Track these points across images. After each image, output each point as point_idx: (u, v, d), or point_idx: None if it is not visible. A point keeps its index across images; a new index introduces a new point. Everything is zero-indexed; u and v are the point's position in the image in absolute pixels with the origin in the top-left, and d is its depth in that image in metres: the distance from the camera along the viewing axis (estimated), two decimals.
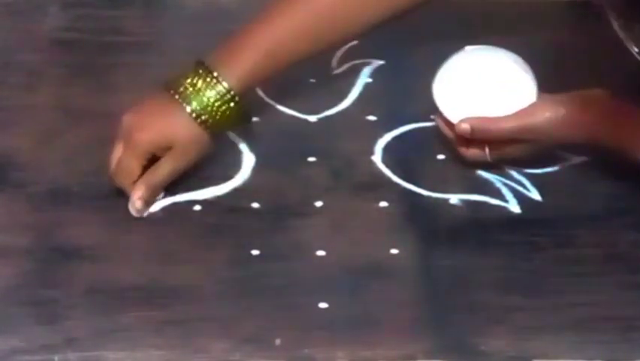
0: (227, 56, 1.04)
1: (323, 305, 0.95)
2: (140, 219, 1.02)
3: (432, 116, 1.10)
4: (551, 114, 1.03)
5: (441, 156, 1.10)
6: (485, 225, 1.04)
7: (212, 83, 1.03)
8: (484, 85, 1.06)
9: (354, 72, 1.19)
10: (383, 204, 1.05)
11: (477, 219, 1.04)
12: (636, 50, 0.91)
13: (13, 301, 0.94)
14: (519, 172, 1.08)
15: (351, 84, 1.18)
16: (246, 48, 1.04)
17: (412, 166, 1.09)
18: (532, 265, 1.00)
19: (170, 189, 1.05)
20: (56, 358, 0.90)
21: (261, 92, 1.16)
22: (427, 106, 1.10)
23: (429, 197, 1.06)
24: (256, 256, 1.00)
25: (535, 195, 1.07)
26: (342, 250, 1.00)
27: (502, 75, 1.06)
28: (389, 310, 0.96)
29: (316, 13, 1.05)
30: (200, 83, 1.03)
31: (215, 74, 1.03)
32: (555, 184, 1.08)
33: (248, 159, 1.09)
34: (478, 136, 1.05)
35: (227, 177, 1.07)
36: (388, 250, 1.00)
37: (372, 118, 1.14)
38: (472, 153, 1.06)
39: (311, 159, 1.10)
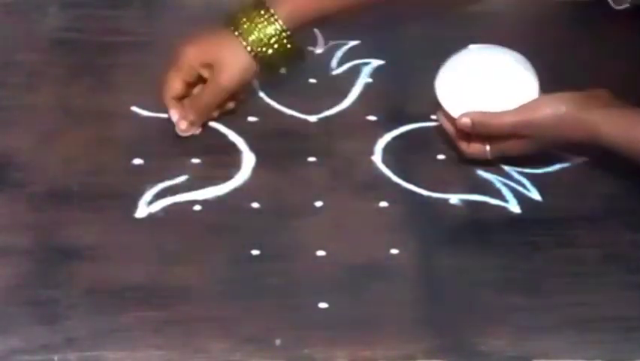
0: None
1: (323, 305, 0.95)
2: (141, 219, 1.02)
3: (433, 117, 1.09)
4: (552, 111, 1.03)
5: (441, 156, 1.10)
6: (485, 225, 1.04)
7: (268, 20, 1.07)
8: (486, 81, 1.06)
9: (354, 72, 1.19)
10: (383, 204, 1.05)
11: (477, 219, 1.04)
12: None
13: (13, 301, 0.94)
14: (519, 172, 1.08)
15: (351, 84, 1.18)
16: None
17: (412, 166, 1.09)
18: (532, 265, 1.00)
19: (171, 189, 1.05)
20: (56, 358, 0.90)
21: (261, 92, 1.16)
22: (427, 106, 1.11)
23: (429, 197, 1.06)
24: (256, 256, 1.00)
25: (535, 195, 1.07)
26: (342, 250, 1.00)
27: (504, 72, 1.07)
28: (389, 310, 0.96)
29: None
30: (255, 18, 1.07)
31: (271, 11, 1.07)
32: (555, 184, 1.08)
33: (248, 159, 1.09)
34: (479, 130, 1.05)
35: (227, 177, 1.07)
36: (388, 250, 1.01)
37: (372, 118, 1.14)
38: (472, 149, 1.06)
39: (311, 159, 1.10)
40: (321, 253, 1.00)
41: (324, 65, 1.20)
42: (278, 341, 0.92)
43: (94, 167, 1.07)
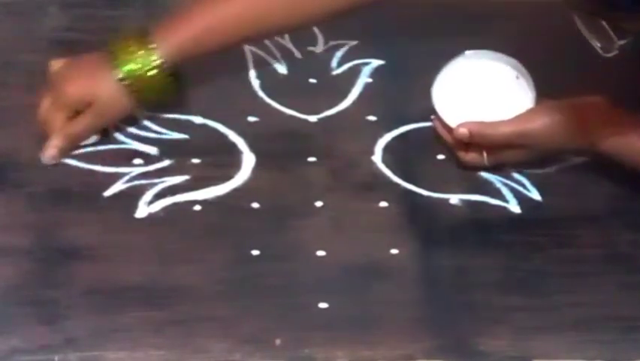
0: (168, 27, 1.07)
1: (323, 305, 0.95)
2: (141, 218, 1.02)
3: (431, 117, 1.09)
4: (549, 120, 1.03)
5: (441, 156, 1.10)
6: (485, 225, 1.04)
7: (145, 51, 1.05)
8: (483, 90, 1.07)
9: (354, 72, 1.19)
10: (383, 204, 1.05)
11: (477, 219, 1.04)
12: (599, 45, 0.91)
13: (13, 301, 0.94)
14: (519, 172, 1.08)
15: (351, 84, 1.18)
16: (187, 22, 1.07)
17: (412, 166, 1.09)
18: (533, 265, 1.00)
19: (171, 189, 1.05)
20: (56, 358, 0.90)
21: (261, 92, 1.16)
22: (427, 106, 1.10)
23: (429, 197, 1.06)
24: (256, 256, 1.00)
25: (535, 195, 1.07)
26: (342, 250, 1.00)
27: (501, 81, 1.07)
28: (389, 310, 0.96)
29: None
30: (133, 49, 1.06)
31: (150, 41, 1.06)
32: (555, 184, 1.08)
33: (248, 159, 1.09)
34: (477, 140, 1.05)
35: (227, 177, 1.07)
36: (388, 250, 1.01)
37: (372, 118, 1.14)
38: (470, 157, 1.06)
39: (311, 159, 1.09)
40: (321, 253, 1.00)
41: (324, 65, 1.20)
42: (278, 341, 0.92)
43: (93, 167, 1.07)
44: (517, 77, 1.07)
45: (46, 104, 1.07)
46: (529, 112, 1.05)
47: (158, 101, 1.09)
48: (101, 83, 1.06)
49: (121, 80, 1.05)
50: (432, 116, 1.09)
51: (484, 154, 1.06)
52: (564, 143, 1.04)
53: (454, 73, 1.08)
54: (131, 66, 1.05)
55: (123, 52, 1.06)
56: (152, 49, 1.05)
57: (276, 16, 1.08)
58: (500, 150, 1.05)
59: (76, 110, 1.06)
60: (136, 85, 1.06)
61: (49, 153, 1.05)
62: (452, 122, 1.06)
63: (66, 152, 1.06)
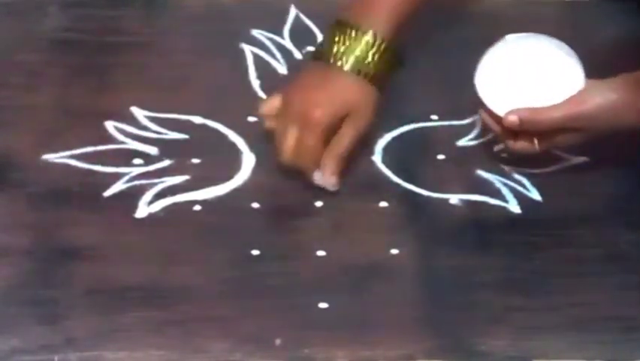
0: (364, 7, 1.04)
1: (323, 305, 0.95)
2: (141, 219, 1.02)
3: (433, 117, 1.08)
4: (602, 100, 0.99)
5: (441, 156, 1.10)
6: (485, 225, 1.04)
7: (358, 37, 1.03)
8: (530, 74, 1.02)
9: None
10: (383, 204, 1.05)
11: (477, 219, 1.04)
12: None
13: (13, 301, 0.94)
14: (519, 172, 1.08)
15: None
16: None
17: (412, 166, 1.09)
18: (533, 265, 1.00)
19: (171, 189, 1.05)
20: (56, 358, 0.90)
21: (260, 92, 1.16)
22: (427, 106, 1.10)
23: (429, 197, 1.06)
24: (256, 256, 1.00)
25: (535, 195, 1.07)
26: (342, 250, 1.00)
27: (547, 63, 1.02)
28: (389, 310, 0.96)
29: None
30: (347, 41, 1.03)
31: (353, 25, 1.03)
32: (555, 184, 1.08)
33: (248, 159, 1.09)
34: (528, 128, 1.01)
35: (227, 177, 1.07)
36: (388, 250, 1.00)
37: None
38: (520, 145, 1.02)
39: None
40: (321, 253, 1.00)
41: None
42: (278, 341, 0.92)
43: (93, 167, 1.07)
44: (564, 57, 1.02)
45: (291, 137, 1.01)
46: (581, 93, 1.00)
47: (392, 78, 1.06)
48: (348, 89, 1.03)
49: (358, 73, 1.03)
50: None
51: (535, 141, 1.02)
52: (619, 122, 1.00)
53: (497, 59, 1.03)
54: (357, 56, 1.03)
55: (341, 48, 1.03)
56: (363, 32, 1.03)
57: None
58: (552, 134, 1.01)
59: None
60: (371, 70, 1.03)
61: (333, 181, 1.02)
62: (500, 111, 1.02)
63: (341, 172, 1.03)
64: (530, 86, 1.02)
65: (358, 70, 1.03)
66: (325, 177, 1.02)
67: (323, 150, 1.02)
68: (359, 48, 1.03)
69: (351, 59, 1.03)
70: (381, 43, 1.03)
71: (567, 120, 1.00)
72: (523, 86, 1.02)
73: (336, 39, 1.03)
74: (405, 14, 1.05)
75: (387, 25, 1.04)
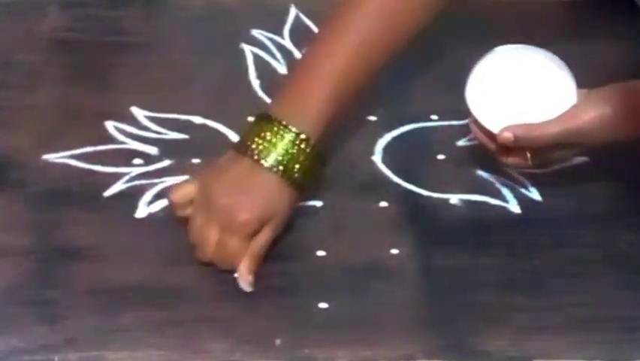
0: (294, 105, 0.99)
1: (323, 305, 0.95)
2: (141, 219, 1.02)
3: (433, 117, 1.07)
4: (597, 114, 0.98)
5: (441, 156, 1.10)
6: (485, 225, 1.04)
7: (284, 134, 0.97)
8: (522, 89, 1.01)
9: None
10: (383, 204, 1.05)
11: (477, 219, 1.04)
12: None
13: (13, 301, 0.94)
14: (519, 172, 1.08)
15: None
16: (309, 89, 0.99)
17: (412, 166, 1.09)
18: (533, 265, 1.00)
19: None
20: (56, 358, 0.90)
21: (260, 92, 1.16)
22: (427, 106, 1.10)
23: (429, 197, 1.06)
24: None
25: (535, 195, 1.07)
26: (342, 250, 1.00)
27: (539, 76, 1.01)
28: (389, 310, 0.96)
29: (365, 36, 1.01)
30: (273, 137, 0.97)
31: (283, 122, 0.97)
32: (555, 184, 1.08)
33: None
34: (522, 144, 1.00)
35: None
36: (388, 250, 1.00)
37: (372, 118, 1.14)
38: (512, 161, 1.02)
39: None
40: (321, 253, 1.00)
41: None
42: (278, 342, 0.92)
43: (93, 167, 1.07)
44: (555, 70, 1.01)
45: (212, 242, 0.96)
46: (575, 108, 0.99)
47: (312, 181, 1.00)
48: (275, 196, 0.97)
49: (280, 174, 0.96)
50: (469, 121, 1.03)
51: (528, 156, 1.01)
52: (615, 135, 0.99)
53: (488, 72, 1.02)
54: (279, 153, 0.96)
55: (263, 143, 0.97)
56: (288, 128, 0.96)
57: (384, 41, 1.01)
58: (547, 150, 1.01)
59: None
60: (292, 174, 0.97)
61: (249, 280, 0.95)
62: (493, 127, 1.00)
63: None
64: (523, 101, 1.01)
65: (282, 171, 0.96)
66: (242, 276, 0.96)
67: (244, 253, 0.96)
68: (283, 147, 0.96)
69: (274, 158, 0.96)
70: (307, 145, 0.97)
71: (562, 136, 0.99)
72: (515, 101, 1.01)
73: (262, 134, 0.97)
74: (333, 116, 0.99)
75: (314, 126, 0.98)
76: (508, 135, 0.99)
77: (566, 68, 1.01)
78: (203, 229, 0.97)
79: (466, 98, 1.02)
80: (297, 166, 0.97)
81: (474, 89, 1.02)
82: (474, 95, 1.02)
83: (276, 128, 0.97)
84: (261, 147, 0.97)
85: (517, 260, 1.00)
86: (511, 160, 1.02)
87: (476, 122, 1.02)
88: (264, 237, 0.97)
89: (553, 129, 0.99)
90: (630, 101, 0.98)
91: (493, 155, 1.03)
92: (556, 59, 1.02)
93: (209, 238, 0.96)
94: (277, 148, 0.97)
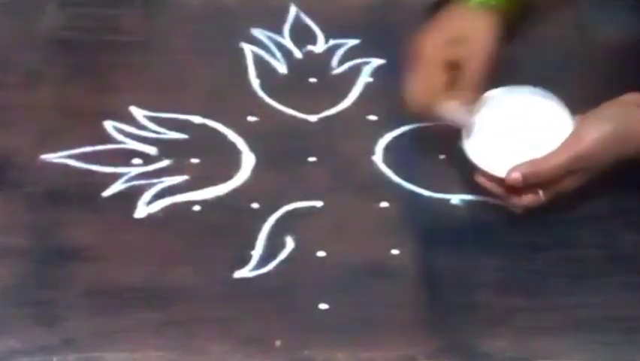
0: None
1: (323, 306, 0.95)
2: (140, 219, 1.02)
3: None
4: (598, 134, 0.98)
5: (442, 156, 1.10)
6: (486, 225, 1.04)
7: None
8: (518, 128, 1.02)
9: (355, 72, 1.19)
10: (383, 204, 1.05)
11: (478, 219, 1.04)
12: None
13: (11, 302, 0.94)
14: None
15: (352, 84, 1.17)
16: None
17: (413, 166, 1.08)
18: (534, 265, 1.00)
19: (170, 189, 1.05)
20: (55, 359, 0.90)
21: (260, 92, 1.16)
22: None
23: (430, 197, 1.06)
24: (256, 256, 0.99)
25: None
26: (342, 251, 1.00)
27: (531, 112, 1.02)
28: (389, 311, 0.96)
29: None
30: None
31: None
32: None
33: (248, 159, 1.08)
34: (532, 181, 0.99)
35: (227, 177, 1.06)
36: (389, 251, 1.00)
37: (372, 118, 1.14)
38: (525, 200, 1.00)
39: (311, 159, 1.09)
40: (321, 253, 1.00)
41: (324, 64, 1.20)
42: (278, 343, 0.92)
43: (92, 167, 1.06)
44: (546, 102, 1.02)
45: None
46: (575, 133, 0.99)
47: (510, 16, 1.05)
48: (463, 15, 1.02)
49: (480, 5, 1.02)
50: (474, 174, 1.02)
51: (540, 192, 1.00)
52: (622, 151, 0.99)
53: (481, 120, 1.03)
54: None
55: None
56: None
57: None
58: (557, 181, 1.00)
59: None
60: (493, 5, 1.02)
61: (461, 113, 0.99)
62: (499, 172, 1.00)
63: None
64: (522, 140, 1.01)
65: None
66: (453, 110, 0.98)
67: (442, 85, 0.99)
68: None
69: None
70: None
71: (569, 164, 0.98)
72: (514, 141, 1.01)
73: None
74: None
75: None
76: (516, 176, 0.98)
77: (555, 97, 1.02)
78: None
79: (466, 151, 1.02)
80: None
81: (471, 140, 1.02)
82: (473, 146, 1.02)
83: None
84: None
85: (518, 261, 1.00)
86: (524, 200, 1.00)
87: (481, 172, 1.01)
88: (473, 65, 1.01)
89: (559, 159, 0.98)
90: (627, 117, 0.99)
91: (505, 201, 1.01)
92: (540, 91, 1.03)
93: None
94: None
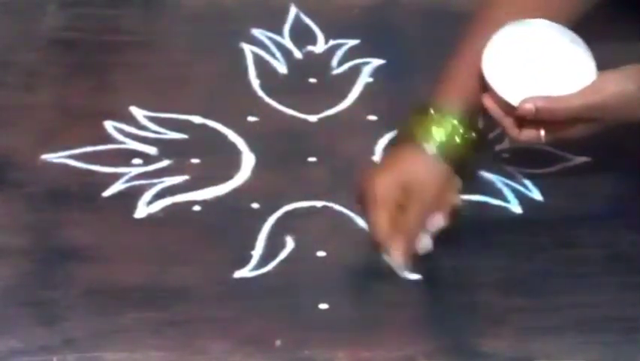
0: (444, 91, 1.01)
1: (323, 306, 0.95)
2: (140, 219, 1.02)
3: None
4: (619, 89, 0.96)
5: None
6: (486, 225, 1.03)
7: (442, 118, 0.99)
8: (541, 62, 0.98)
9: (355, 72, 1.19)
10: None
11: (478, 219, 1.04)
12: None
13: (11, 302, 0.94)
14: (520, 172, 1.08)
15: (352, 84, 1.17)
16: (459, 77, 1.00)
17: None
18: (534, 265, 1.00)
19: (170, 189, 1.05)
20: (55, 359, 0.90)
21: (260, 92, 1.16)
22: None
23: None
24: (256, 256, 0.99)
25: (536, 195, 1.06)
26: (342, 251, 1.00)
27: (558, 50, 0.99)
28: (389, 310, 0.95)
29: None
30: (428, 122, 0.99)
31: (442, 109, 0.99)
32: (556, 185, 1.07)
33: (248, 159, 1.08)
34: (543, 116, 0.96)
35: (227, 177, 1.06)
36: (389, 250, 1.00)
37: (372, 118, 1.14)
38: (525, 135, 0.98)
39: (311, 159, 1.09)
40: (321, 253, 1.00)
41: (324, 64, 1.20)
42: (278, 342, 0.92)
43: (92, 167, 1.06)
44: (574, 46, 0.99)
45: (373, 211, 0.97)
46: (597, 83, 0.97)
47: (463, 166, 1.01)
48: (417, 162, 0.98)
49: (438, 153, 0.98)
50: (484, 95, 0.99)
51: (542, 131, 0.97)
52: (635, 112, 0.97)
53: (505, 45, 0.99)
54: (438, 137, 0.98)
55: (424, 129, 0.99)
56: (446, 113, 0.99)
57: None
58: (561, 125, 0.98)
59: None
60: (451, 151, 0.98)
61: (396, 260, 0.96)
62: (512, 99, 0.97)
63: (411, 253, 0.97)
64: (542, 75, 0.98)
65: (439, 151, 0.98)
66: (393, 256, 0.96)
67: (386, 220, 0.96)
68: (444, 131, 0.99)
69: (434, 141, 0.99)
70: (466, 124, 0.99)
71: (584, 110, 0.96)
72: (534, 74, 0.98)
73: (423, 121, 0.99)
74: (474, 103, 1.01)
75: (467, 104, 1.00)
76: (529, 107, 0.96)
77: (584, 44, 0.99)
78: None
79: (483, 70, 0.98)
80: (455, 149, 0.99)
81: (491, 61, 0.99)
82: (491, 67, 0.98)
83: (437, 114, 0.99)
84: (424, 132, 0.99)
85: (518, 261, 1.00)
86: (524, 136, 0.98)
87: (492, 95, 0.98)
88: (412, 213, 0.98)
89: (576, 102, 0.96)
90: None
91: (505, 130, 0.99)
92: (573, 35, 0.99)
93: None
94: (440, 135, 0.99)
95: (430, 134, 0.99)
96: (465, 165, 1.00)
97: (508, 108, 0.97)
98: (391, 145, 1.04)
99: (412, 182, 0.97)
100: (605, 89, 0.96)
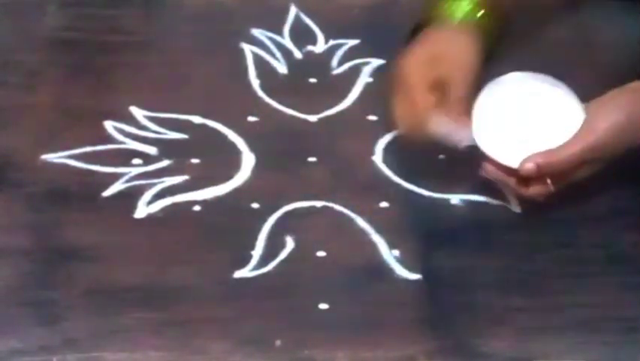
0: None
1: (323, 306, 0.95)
2: (140, 219, 1.02)
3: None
4: (611, 122, 0.96)
5: (442, 156, 1.10)
6: (486, 225, 1.04)
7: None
8: (528, 117, 1.00)
9: (355, 72, 1.19)
10: (383, 204, 1.05)
11: (478, 219, 1.04)
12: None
13: (11, 302, 0.94)
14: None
15: (352, 84, 1.17)
16: None
17: (413, 166, 1.08)
18: (534, 265, 1.00)
19: (170, 189, 1.05)
20: (55, 359, 0.90)
21: (260, 92, 1.16)
22: None
23: (430, 197, 1.06)
24: (256, 256, 0.99)
25: None
26: (342, 251, 1.00)
27: (541, 100, 1.00)
28: (389, 310, 0.96)
29: None
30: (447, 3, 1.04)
31: None
32: None
33: (248, 159, 1.08)
34: (545, 172, 0.97)
35: (228, 177, 1.06)
36: (389, 251, 1.00)
37: (372, 118, 1.14)
38: (533, 190, 0.99)
39: (311, 159, 1.09)
40: (321, 253, 1.00)
41: (324, 64, 1.20)
42: (278, 342, 0.92)
43: (92, 167, 1.06)
44: (555, 90, 1.00)
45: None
46: (588, 123, 0.97)
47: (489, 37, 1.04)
48: (442, 34, 1.03)
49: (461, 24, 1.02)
50: (482, 163, 1.00)
51: (549, 182, 0.98)
52: (632, 140, 0.97)
53: (490, 109, 1.00)
54: (462, 10, 1.03)
55: (444, 8, 1.04)
56: None
57: None
58: (568, 172, 0.98)
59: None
60: (472, 25, 1.02)
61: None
62: (511, 162, 0.98)
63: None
64: (533, 129, 0.99)
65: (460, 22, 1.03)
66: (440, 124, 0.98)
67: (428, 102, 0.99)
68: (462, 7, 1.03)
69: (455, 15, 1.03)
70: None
71: (583, 154, 0.97)
72: (525, 131, 0.99)
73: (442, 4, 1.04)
74: None
75: None
76: (530, 166, 0.97)
77: (563, 84, 1.00)
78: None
79: (476, 140, 0.99)
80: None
81: (481, 129, 1.00)
82: (484, 137, 0.99)
83: None
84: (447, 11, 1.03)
85: (518, 260, 1.00)
86: (532, 191, 0.99)
87: (491, 161, 0.99)
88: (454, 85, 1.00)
89: (574, 149, 0.97)
90: (636, 104, 0.97)
91: (513, 190, 1.01)
92: (548, 77, 1.01)
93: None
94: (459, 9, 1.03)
95: (451, 11, 1.02)
96: (489, 36, 1.02)
97: (510, 171, 0.98)
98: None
99: (444, 56, 0.99)
100: (597, 128, 0.97)
